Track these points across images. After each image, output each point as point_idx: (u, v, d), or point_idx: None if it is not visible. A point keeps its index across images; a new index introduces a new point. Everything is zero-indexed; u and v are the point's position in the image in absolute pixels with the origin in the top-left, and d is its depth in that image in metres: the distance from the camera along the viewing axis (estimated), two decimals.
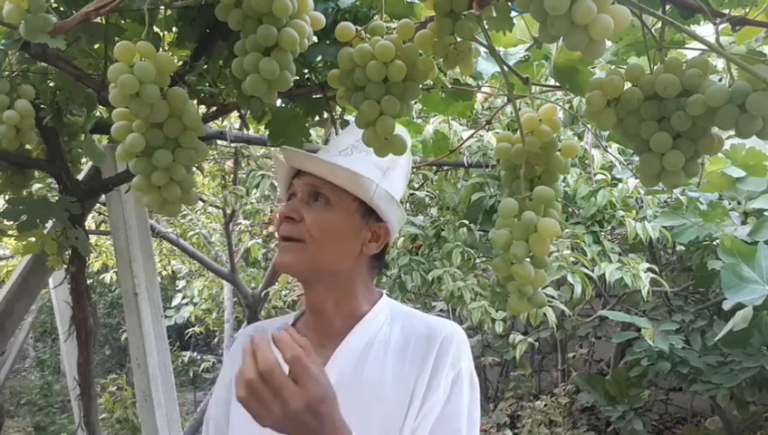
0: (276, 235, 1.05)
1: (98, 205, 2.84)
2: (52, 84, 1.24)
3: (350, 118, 1.34)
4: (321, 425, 0.78)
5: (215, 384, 1.15)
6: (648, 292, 2.74)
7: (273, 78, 0.77)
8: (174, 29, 1.04)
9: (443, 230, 2.86)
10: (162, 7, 0.93)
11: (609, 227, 2.92)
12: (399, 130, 0.79)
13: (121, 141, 0.81)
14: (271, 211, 4.04)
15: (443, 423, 0.94)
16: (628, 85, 0.70)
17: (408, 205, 3.23)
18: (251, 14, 0.76)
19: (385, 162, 1.01)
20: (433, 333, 1.00)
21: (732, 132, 0.66)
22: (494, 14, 0.73)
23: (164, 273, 5.45)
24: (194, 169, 0.90)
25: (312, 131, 1.30)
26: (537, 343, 4.09)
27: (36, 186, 1.61)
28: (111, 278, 5.26)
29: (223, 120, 2.81)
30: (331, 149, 1.04)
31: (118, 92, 0.75)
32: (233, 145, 3.06)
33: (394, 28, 0.77)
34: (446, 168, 2.96)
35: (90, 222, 3.77)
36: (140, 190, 0.84)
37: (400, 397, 0.96)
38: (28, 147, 1.43)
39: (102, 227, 3.91)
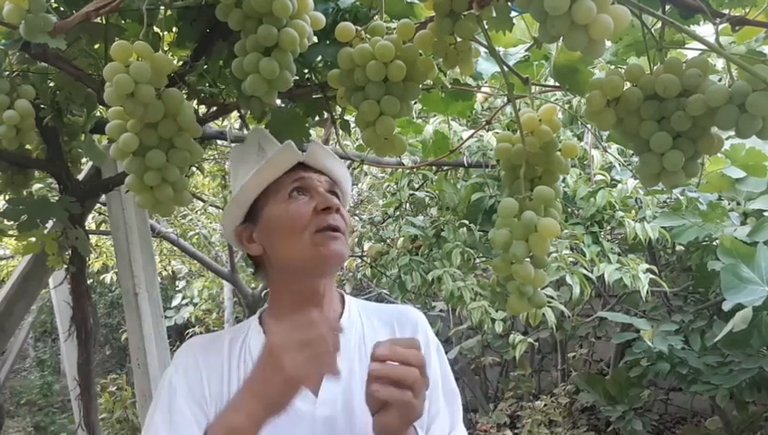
0: (310, 225, 1.00)
1: (98, 205, 2.84)
2: (52, 84, 1.24)
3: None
4: None
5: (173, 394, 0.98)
6: (648, 292, 2.74)
7: (274, 78, 0.77)
8: (174, 29, 1.04)
9: (443, 230, 2.86)
10: (162, 7, 0.93)
11: (609, 228, 2.91)
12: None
13: (116, 140, 0.82)
14: None
15: (444, 387, 1.06)
16: (627, 85, 0.70)
17: (407, 205, 3.23)
18: (251, 15, 0.76)
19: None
20: (408, 318, 1.11)
21: (732, 132, 0.66)
22: (494, 15, 0.73)
23: (164, 273, 5.45)
24: (194, 169, 0.90)
25: (311, 131, 1.30)
26: (537, 344, 4.08)
27: (36, 186, 1.61)
28: (112, 279, 5.26)
29: (223, 120, 2.81)
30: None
31: (113, 92, 0.75)
32: (233, 145, 3.05)
33: (394, 28, 0.77)
34: (445, 168, 2.96)
35: (90, 222, 3.77)
36: (133, 190, 0.84)
37: None
38: (28, 147, 1.43)
39: (103, 227, 3.91)
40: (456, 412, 1.06)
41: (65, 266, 1.54)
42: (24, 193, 1.47)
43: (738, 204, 2.77)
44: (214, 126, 2.26)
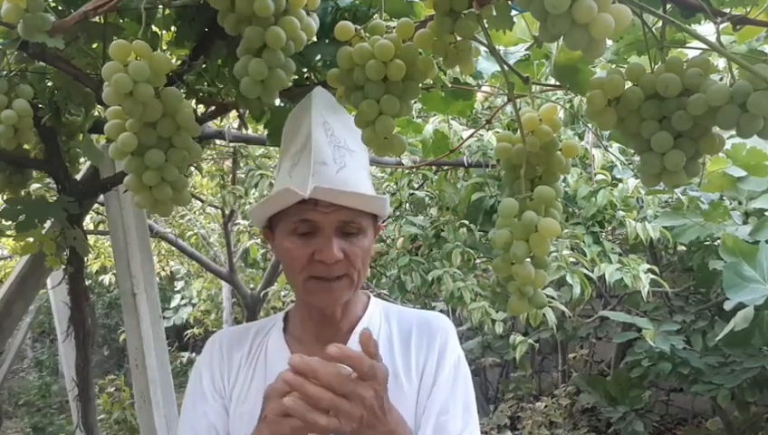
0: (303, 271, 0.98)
1: (96, 205, 2.83)
2: (50, 84, 1.23)
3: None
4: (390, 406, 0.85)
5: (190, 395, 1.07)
6: (649, 292, 2.73)
7: (263, 78, 0.76)
8: (173, 28, 1.03)
9: (443, 230, 2.85)
10: (161, 6, 0.92)
11: (610, 228, 2.91)
12: None
13: (115, 140, 0.81)
14: None
15: (452, 400, 1.02)
16: (628, 84, 0.70)
17: (407, 205, 3.23)
18: (242, 18, 0.76)
19: (365, 156, 1.02)
20: (431, 322, 1.07)
21: (733, 132, 0.65)
22: (494, 13, 0.72)
23: (162, 273, 5.45)
24: (192, 168, 0.90)
25: None
26: (537, 344, 4.07)
27: (34, 186, 1.60)
28: (110, 280, 5.25)
29: (222, 120, 2.81)
30: (330, 164, 0.94)
31: (111, 91, 0.75)
32: (231, 145, 3.05)
33: (393, 27, 0.77)
34: (445, 168, 2.96)
35: (88, 222, 3.76)
36: (132, 189, 0.84)
37: (412, 381, 1.01)
38: (26, 147, 1.43)
39: (101, 228, 3.90)
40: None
41: (63, 267, 1.54)
42: (22, 193, 1.46)
43: (740, 203, 2.77)
44: (212, 125, 2.26)
